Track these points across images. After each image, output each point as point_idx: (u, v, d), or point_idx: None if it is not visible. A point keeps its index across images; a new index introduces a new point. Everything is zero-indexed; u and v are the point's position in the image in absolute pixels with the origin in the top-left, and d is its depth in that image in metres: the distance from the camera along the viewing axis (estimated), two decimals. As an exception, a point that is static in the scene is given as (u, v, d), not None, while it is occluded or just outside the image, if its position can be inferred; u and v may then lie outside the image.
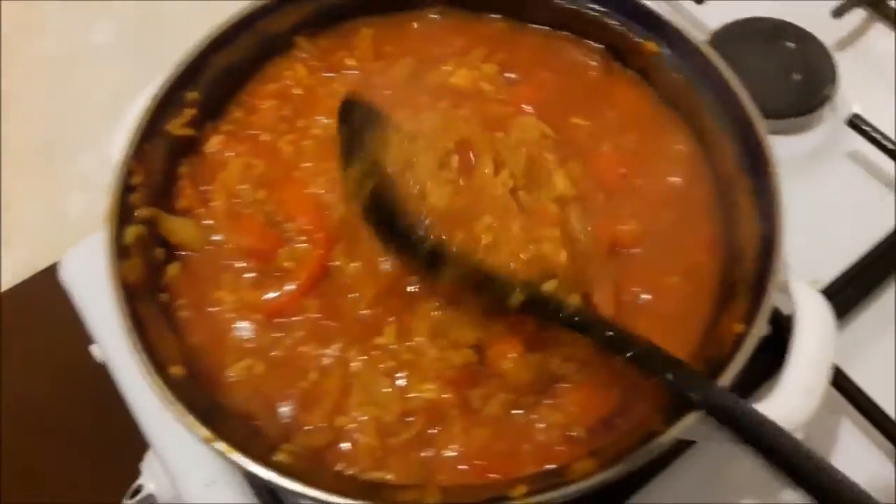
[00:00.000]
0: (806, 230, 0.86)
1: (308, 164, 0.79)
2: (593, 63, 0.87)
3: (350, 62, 0.86)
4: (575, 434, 0.68)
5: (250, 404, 0.70)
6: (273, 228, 0.76)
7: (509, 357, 0.68)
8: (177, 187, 0.79)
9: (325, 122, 0.81)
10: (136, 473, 0.91)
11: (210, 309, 0.74)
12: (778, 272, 0.68)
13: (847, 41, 1.08)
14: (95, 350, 0.91)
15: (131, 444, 0.87)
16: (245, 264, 0.75)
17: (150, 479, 0.92)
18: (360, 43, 0.87)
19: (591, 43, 0.87)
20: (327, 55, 0.87)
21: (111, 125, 0.79)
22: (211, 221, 0.77)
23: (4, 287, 0.97)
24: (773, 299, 0.67)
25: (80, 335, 0.90)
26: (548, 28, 0.89)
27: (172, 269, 0.75)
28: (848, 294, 0.86)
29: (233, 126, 0.83)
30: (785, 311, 0.73)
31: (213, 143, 0.81)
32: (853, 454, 0.79)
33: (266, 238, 0.76)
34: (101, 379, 0.87)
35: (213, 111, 0.83)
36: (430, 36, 0.89)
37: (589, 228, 0.73)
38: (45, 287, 0.91)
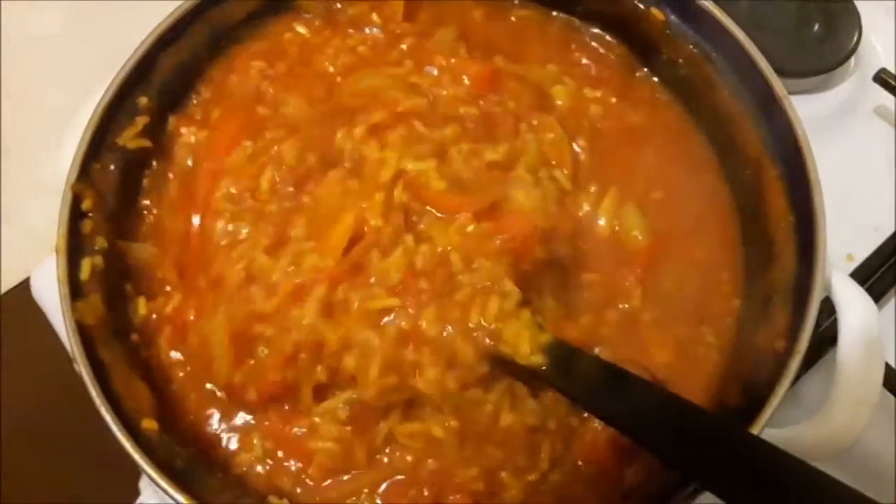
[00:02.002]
0: (835, 198, 0.78)
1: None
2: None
3: (375, 18, 0.73)
4: None
5: None
6: None
7: None
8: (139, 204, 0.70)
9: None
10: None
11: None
12: (822, 278, 0.59)
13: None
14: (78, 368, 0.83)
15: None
16: None
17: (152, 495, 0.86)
18: (391, 3, 0.74)
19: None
20: (338, 14, 0.75)
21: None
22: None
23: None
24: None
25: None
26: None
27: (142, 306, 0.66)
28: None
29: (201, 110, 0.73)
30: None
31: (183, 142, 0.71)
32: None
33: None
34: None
35: (172, 102, 0.72)
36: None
37: None
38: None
